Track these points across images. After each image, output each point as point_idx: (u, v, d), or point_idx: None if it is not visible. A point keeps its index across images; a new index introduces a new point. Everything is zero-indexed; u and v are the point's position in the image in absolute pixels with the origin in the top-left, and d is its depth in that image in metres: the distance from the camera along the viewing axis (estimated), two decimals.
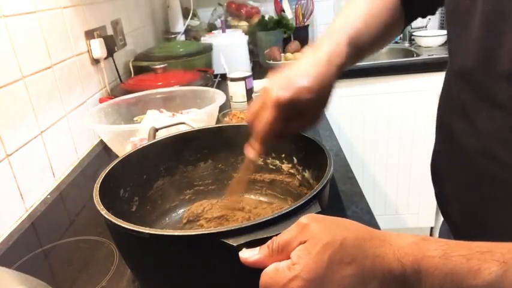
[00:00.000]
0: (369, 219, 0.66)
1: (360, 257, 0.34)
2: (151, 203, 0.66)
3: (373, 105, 1.73)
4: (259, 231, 0.39)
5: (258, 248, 0.37)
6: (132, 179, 0.63)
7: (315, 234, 0.35)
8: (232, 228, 0.39)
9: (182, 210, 0.69)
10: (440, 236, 0.76)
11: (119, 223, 0.43)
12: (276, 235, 0.37)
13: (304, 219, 0.36)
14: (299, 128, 0.58)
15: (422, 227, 1.94)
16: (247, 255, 0.37)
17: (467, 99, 0.50)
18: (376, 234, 0.36)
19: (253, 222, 0.39)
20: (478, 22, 0.45)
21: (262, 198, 0.71)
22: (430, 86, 1.67)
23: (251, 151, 0.56)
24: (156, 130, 0.73)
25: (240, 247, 0.38)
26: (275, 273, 0.35)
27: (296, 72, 0.52)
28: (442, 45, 1.88)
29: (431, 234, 1.97)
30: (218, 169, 0.72)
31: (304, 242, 0.35)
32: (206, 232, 0.40)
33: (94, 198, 0.49)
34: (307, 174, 0.63)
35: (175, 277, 0.45)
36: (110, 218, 0.44)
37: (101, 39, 1.19)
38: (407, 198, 1.88)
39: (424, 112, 1.71)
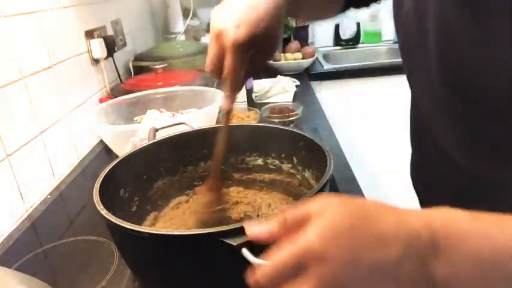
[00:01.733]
0: None
1: (383, 216, 0.31)
2: (152, 203, 0.66)
3: (373, 105, 1.73)
4: None
5: (272, 221, 0.33)
6: (132, 179, 0.62)
7: (329, 213, 0.31)
8: (232, 227, 0.39)
9: (183, 210, 0.69)
10: None
11: (118, 223, 0.43)
12: None
13: (319, 199, 0.33)
14: (261, 63, 0.54)
15: None
16: (256, 230, 0.33)
17: (432, 114, 0.50)
18: (386, 210, 0.33)
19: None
20: (432, 39, 0.45)
21: (261, 198, 0.70)
22: None
23: (224, 102, 0.52)
24: (156, 130, 0.73)
25: (239, 247, 0.37)
26: (292, 246, 0.30)
27: (241, 6, 0.48)
28: None
29: None
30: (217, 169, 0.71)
31: (321, 214, 0.31)
32: (206, 232, 0.40)
33: (94, 198, 0.49)
34: (307, 174, 0.63)
35: (175, 277, 0.45)
36: (110, 218, 0.44)
37: (101, 39, 1.19)
38: (407, 198, 1.87)
39: None
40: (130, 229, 0.42)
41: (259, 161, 0.70)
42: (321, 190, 0.45)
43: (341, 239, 0.29)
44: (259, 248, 0.37)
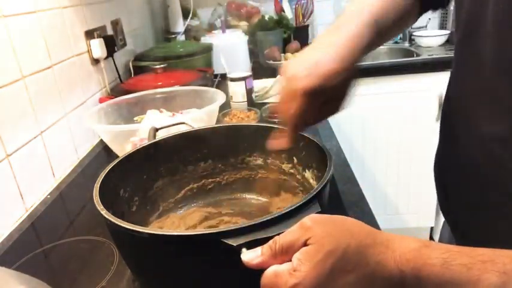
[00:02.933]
0: (369, 219, 0.66)
1: (362, 264, 0.33)
2: (152, 203, 0.66)
3: (373, 105, 1.73)
4: (259, 232, 0.39)
5: (259, 248, 0.37)
6: (132, 179, 0.62)
7: (318, 238, 0.34)
8: (232, 228, 0.39)
9: (182, 210, 0.69)
10: (441, 238, 0.75)
11: (118, 223, 0.43)
12: (277, 235, 0.37)
13: (307, 220, 0.36)
14: (329, 112, 0.56)
15: (422, 227, 1.94)
16: (250, 256, 0.36)
17: (473, 101, 0.50)
18: (380, 239, 0.35)
19: (253, 222, 0.39)
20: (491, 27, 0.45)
21: (261, 198, 0.70)
22: (430, 86, 1.67)
23: (283, 141, 0.55)
24: (156, 130, 0.73)
25: (239, 247, 0.37)
26: (275, 277, 0.34)
27: (318, 56, 0.50)
28: (442, 45, 1.88)
29: (431, 234, 1.97)
30: (218, 169, 0.72)
31: (307, 245, 0.34)
32: (206, 232, 0.40)
33: (94, 198, 0.49)
34: (307, 174, 0.63)
35: (175, 277, 0.45)
36: (109, 218, 0.44)
37: (101, 39, 1.19)
38: (407, 198, 1.88)
39: (424, 112, 1.71)
40: (130, 229, 0.42)
41: (260, 161, 0.70)
42: (321, 190, 0.45)
43: (321, 281, 0.33)
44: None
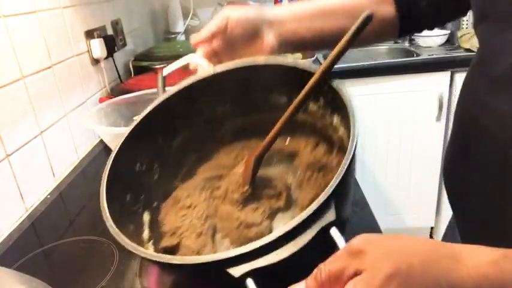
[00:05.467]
0: (369, 219, 0.66)
1: (432, 286, 0.28)
2: (173, 164, 0.61)
3: (373, 105, 1.73)
4: (264, 256, 0.33)
5: (303, 282, 0.31)
6: (146, 148, 0.58)
7: (373, 262, 0.29)
8: (232, 255, 0.33)
9: (207, 163, 0.64)
10: (444, 237, 0.75)
11: (123, 244, 0.40)
12: (293, 256, 0.32)
13: (356, 242, 0.30)
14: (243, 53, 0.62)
15: (422, 227, 1.94)
16: None
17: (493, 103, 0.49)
18: (445, 252, 0.30)
19: (255, 246, 0.33)
20: None
21: (287, 138, 0.63)
22: (430, 86, 1.67)
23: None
24: (164, 78, 0.70)
25: (243, 277, 0.32)
26: None
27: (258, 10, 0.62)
28: (442, 45, 1.88)
29: (431, 234, 1.97)
30: (238, 112, 0.64)
31: (361, 272, 0.29)
32: (206, 261, 0.34)
33: (100, 196, 0.46)
34: (336, 120, 0.54)
35: None
36: (113, 232, 0.42)
37: (101, 39, 1.19)
38: (407, 198, 1.87)
39: (424, 112, 1.71)
40: (134, 252, 0.39)
41: (284, 100, 0.61)
42: (338, 187, 0.37)
43: None
44: (267, 276, 0.33)
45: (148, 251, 0.40)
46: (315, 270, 0.30)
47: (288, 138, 0.63)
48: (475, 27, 0.54)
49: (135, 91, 1.10)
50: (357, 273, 0.29)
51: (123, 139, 0.56)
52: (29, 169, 0.83)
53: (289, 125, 0.57)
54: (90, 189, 0.89)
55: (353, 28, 0.42)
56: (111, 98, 1.11)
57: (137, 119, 0.59)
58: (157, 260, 0.38)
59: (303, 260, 0.36)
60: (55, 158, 0.93)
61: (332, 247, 0.33)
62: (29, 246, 0.70)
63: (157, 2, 2.02)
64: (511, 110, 0.45)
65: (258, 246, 0.33)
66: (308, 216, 0.34)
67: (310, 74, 0.51)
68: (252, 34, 0.62)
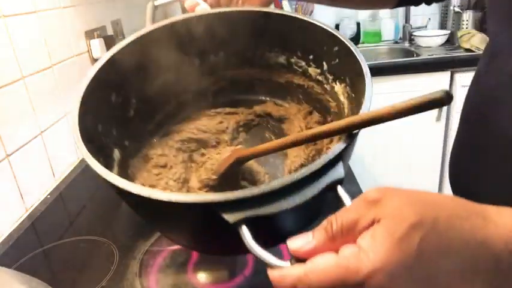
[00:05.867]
0: None
1: (458, 244, 0.24)
2: (151, 106, 0.55)
3: (373, 105, 1.73)
4: (262, 206, 0.29)
5: (310, 233, 0.27)
6: (127, 77, 0.51)
7: (394, 210, 0.25)
8: (229, 199, 0.29)
9: (190, 114, 0.59)
10: None
11: (102, 174, 0.36)
12: (291, 209, 0.28)
13: (373, 191, 0.27)
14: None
15: None
16: (299, 244, 0.27)
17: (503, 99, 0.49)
18: (474, 209, 0.27)
19: (256, 193, 0.29)
20: None
21: (278, 101, 0.60)
22: (430, 86, 1.67)
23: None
24: (155, 7, 0.66)
25: (238, 224, 0.29)
26: (337, 268, 0.24)
27: None
28: (442, 45, 1.88)
29: None
30: (231, 64, 0.58)
31: (379, 221, 0.25)
32: (199, 202, 0.30)
33: (72, 128, 0.41)
34: (337, 87, 0.51)
35: (178, 232, 0.39)
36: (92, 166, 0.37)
37: (101, 39, 1.19)
38: None
39: (424, 112, 1.71)
40: (115, 185, 0.35)
41: (282, 59, 0.56)
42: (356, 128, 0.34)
43: (408, 265, 0.23)
44: (262, 224, 0.30)
45: (133, 184, 0.34)
46: (324, 222, 0.27)
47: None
48: (494, 27, 0.53)
49: None
50: (373, 223, 0.25)
51: (110, 54, 0.48)
52: (29, 169, 0.83)
53: (281, 88, 0.55)
54: (90, 189, 0.89)
55: (419, 100, 0.33)
56: None
57: (128, 38, 0.51)
58: (149, 196, 0.32)
59: (303, 216, 0.34)
60: (55, 158, 0.93)
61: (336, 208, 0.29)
62: (29, 246, 0.70)
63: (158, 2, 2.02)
64: None
65: (259, 193, 0.29)
66: (317, 169, 0.31)
67: (334, 43, 0.46)
68: None
